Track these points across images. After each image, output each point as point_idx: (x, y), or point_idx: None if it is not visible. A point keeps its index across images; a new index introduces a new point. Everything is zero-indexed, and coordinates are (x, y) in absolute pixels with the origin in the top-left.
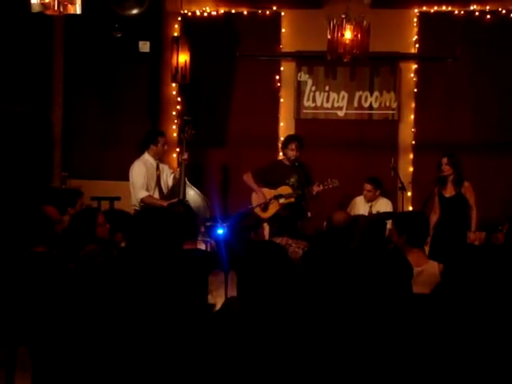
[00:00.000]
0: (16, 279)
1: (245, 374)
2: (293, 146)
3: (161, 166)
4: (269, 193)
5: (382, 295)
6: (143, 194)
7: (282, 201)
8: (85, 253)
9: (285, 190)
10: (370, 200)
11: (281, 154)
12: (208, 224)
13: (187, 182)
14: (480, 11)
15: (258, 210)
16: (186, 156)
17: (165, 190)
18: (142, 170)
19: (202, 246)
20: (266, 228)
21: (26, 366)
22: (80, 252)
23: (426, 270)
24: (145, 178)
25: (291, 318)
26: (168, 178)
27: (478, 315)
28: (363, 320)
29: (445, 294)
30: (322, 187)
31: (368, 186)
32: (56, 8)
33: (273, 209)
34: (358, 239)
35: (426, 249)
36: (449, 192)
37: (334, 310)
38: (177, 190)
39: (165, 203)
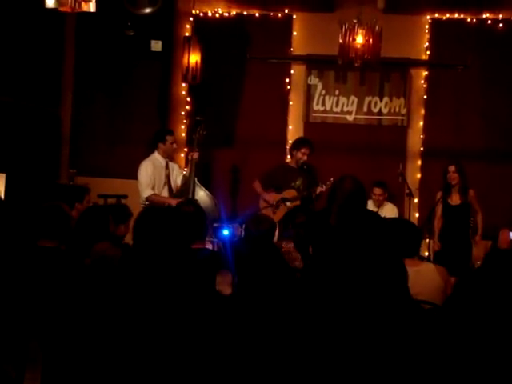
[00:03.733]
0: (27, 275)
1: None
2: (306, 151)
3: (170, 164)
4: (275, 197)
5: (378, 296)
6: (148, 192)
7: (288, 204)
8: (96, 251)
9: (290, 193)
10: (379, 205)
11: (288, 156)
12: (215, 225)
13: (196, 182)
14: (492, 19)
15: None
16: (196, 155)
17: (174, 189)
18: (149, 169)
19: (209, 247)
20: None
21: (37, 360)
22: (91, 248)
23: (422, 269)
24: (151, 177)
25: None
26: (177, 177)
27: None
28: (361, 322)
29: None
30: (324, 188)
31: (378, 191)
32: (72, 5)
33: (280, 212)
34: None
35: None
36: (454, 200)
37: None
38: (186, 189)
39: (173, 201)
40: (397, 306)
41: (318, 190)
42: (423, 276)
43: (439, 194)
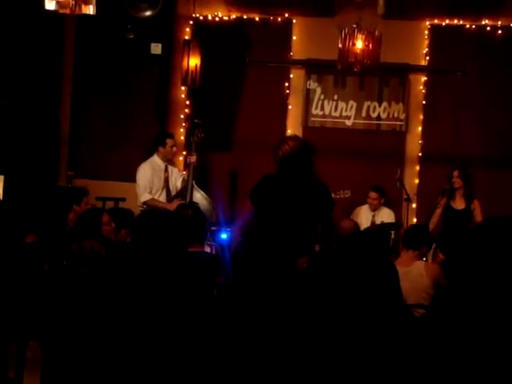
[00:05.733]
0: (23, 274)
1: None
2: None
3: (170, 168)
4: None
5: (370, 299)
6: (146, 197)
7: None
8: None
9: None
10: (374, 209)
11: None
12: (213, 228)
13: (194, 185)
14: (491, 26)
15: None
16: (194, 158)
17: (173, 192)
18: (147, 172)
19: (208, 250)
20: None
21: (36, 359)
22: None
23: (413, 269)
24: (149, 180)
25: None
26: (177, 181)
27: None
28: (355, 324)
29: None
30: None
31: (374, 195)
32: (72, 7)
33: None
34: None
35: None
36: (459, 205)
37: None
38: (184, 192)
39: (170, 206)
40: (386, 309)
41: None
42: (412, 275)
43: (444, 200)
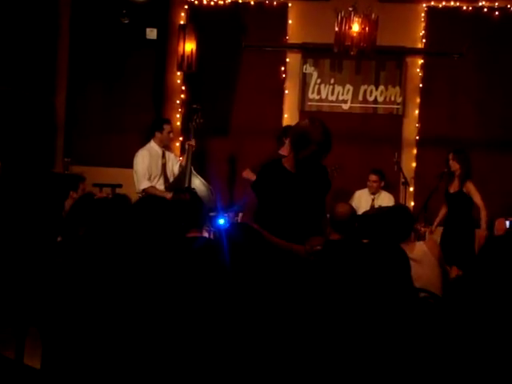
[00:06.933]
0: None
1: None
2: None
3: (167, 154)
4: None
5: (381, 287)
6: (146, 184)
7: None
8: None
9: None
10: (374, 192)
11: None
12: (211, 214)
13: (193, 171)
14: (488, 8)
15: None
16: (193, 142)
17: (170, 179)
18: (145, 158)
19: (206, 235)
20: None
21: (36, 345)
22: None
23: (417, 253)
24: (148, 167)
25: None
26: (174, 166)
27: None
28: (362, 314)
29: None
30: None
31: (373, 177)
32: None
33: None
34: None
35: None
36: (453, 188)
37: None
38: (182, 177)
39: (168, 195)
40: (396, 294)
41: None
42: (417, 256)
43: (443, 183)
